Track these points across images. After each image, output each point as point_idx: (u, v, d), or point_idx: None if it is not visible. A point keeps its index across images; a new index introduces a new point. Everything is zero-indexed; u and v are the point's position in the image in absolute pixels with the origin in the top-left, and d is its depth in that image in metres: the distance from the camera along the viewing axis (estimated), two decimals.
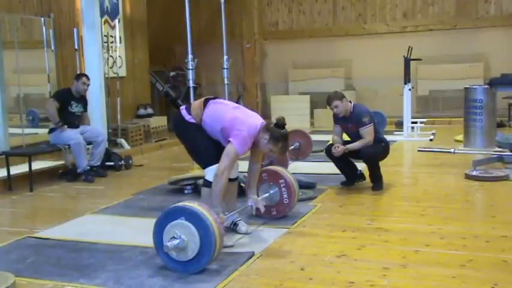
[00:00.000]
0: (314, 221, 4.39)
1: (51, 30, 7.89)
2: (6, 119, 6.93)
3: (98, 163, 6.71)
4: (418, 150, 6.69)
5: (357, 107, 5.37)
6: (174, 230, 3.21)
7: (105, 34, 8.43)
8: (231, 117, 3.82)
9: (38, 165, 6.51)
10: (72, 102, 6.58)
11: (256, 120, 3.88)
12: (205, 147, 3.89)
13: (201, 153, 3.95)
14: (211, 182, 3.80)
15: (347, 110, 5.28)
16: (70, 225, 4.56)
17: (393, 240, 3.82)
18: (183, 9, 6.32)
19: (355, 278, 3.13)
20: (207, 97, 4.04)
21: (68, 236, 4.19)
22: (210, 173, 3.84)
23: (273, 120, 3.84)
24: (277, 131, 3.78)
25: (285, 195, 4.31)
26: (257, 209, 4.10)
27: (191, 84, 6.26)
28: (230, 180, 3.89)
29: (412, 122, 9.11)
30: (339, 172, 5.57)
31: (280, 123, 3.80)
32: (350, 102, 5.39)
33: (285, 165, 5.58)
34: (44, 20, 7.84)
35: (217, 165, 3.77)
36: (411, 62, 9.12)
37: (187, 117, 3.93)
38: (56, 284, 3.21)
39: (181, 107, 4.07)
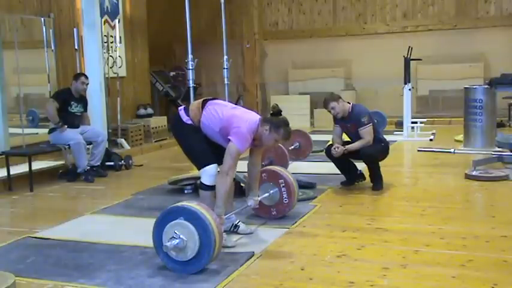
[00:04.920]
0: (314, 221, 4.39)
1: (51, 30, 7.88)
2: (6, 119, 6.92)
3: (98, 163, 6.71)
4: (418, 150, 6.69)
5: (355, 107, 5.38)
6: (173, 230, 3.21)
7: (105, 34, 8.42)
8: (228, 116, 3.82)
9: (38, 165, 6.51)
10: (72, 102, 6.59)
11: (254, 116, 3.89)
12: (201, 148, 3.88)
13: (196, 155, 3.94)
14: (207, 185, 3.82)
15: (345, 111, 5.29)
16: (70, 225, 4.56)
17: (393, 240, 3.82)
18: (183, 9, 6.31)
19: (355, 278, 3.13)
20: (205, 98, 4.04)
21: (68, 236, 4.19)
22: (205, 174, 3.84)
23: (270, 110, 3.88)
24: (276, 118, 3.82)
25: (285, 195, 4.31)
26: (256, 208, 4.15)
27: (191, 84, 6.26)
28: None
29: (412, 122, 9.11)
30: (339, 172, 5.57)
31: (276, 111, 3.83)
32: (349, 103, 5.39)
33: (285, 165, 5.59)
34: (44, 20, 7.83)
35: (211, 166, 3.80)
36: (411, 62, 9.12)
37: (184, 118, 3.93)
38: (56, 284, 3.21)
39: (179, 108, 4.07)
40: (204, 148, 3.88)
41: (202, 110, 3.90)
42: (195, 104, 4.02)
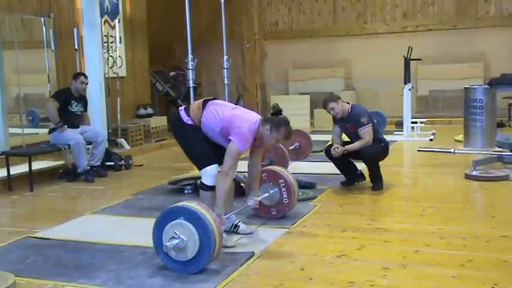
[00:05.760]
0: (314, 221, 4.39)
1: (51, 30, 7.88)
2: (6, 119, 6.92)
3: (98, 163, 6.71)
4: (418, 150, 6.69)
5: (355, 107, 5.38)
6: (173, 230, 3.21)
7: (105, 34, 8.42)
8: (229, 116, 3.82)
9: (38, 165, 6.51)
10: (72, 102, 6.59)
11: (254, 116, 3.90)
12: (202, 149, 3.88)
13: (197, 155, 3.94)
14: (208, 185, 3.82)
15: (344, 111, 5.28)
16: (70, 225, 4.56)
17: (393, 240, 3.82)
18: (183, 9, 6.32)
19: (355, 278, 3.13)
20: (206, 98, 4.04)
21: (68, 236, 4.19)
22: (205, 174, 3.84)
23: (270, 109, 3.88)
24: (276, 118, 3.83)
25: (285, 195, 4.31)
26: (256, 208, 4.17)
27: (191, 84, 6.26)
28: None
29: (412, 122, 9.11)
30: (339, 172, 5.57)
31: (276, 110, 3.83)
32: (348, 103, 5.39)
33: (285, 165, 5.59)
34: (44, 20, 7.83)
35: (212, 166, 3.80)
36: (411, 62, 9.12)
37: (185, 118, 3.93)
38: (56, 284, 3.21)
39: (180, 108, 4.07)
40: (205, 148, 3.88)
41: (202, 110, 3.90)
42: (195, 104, 4.02)
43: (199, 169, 3.92)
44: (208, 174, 3.82)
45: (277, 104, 3.80)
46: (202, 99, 4.01)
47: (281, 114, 3.84)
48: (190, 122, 3.91)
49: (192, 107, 4.01)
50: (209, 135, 3.91)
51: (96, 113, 7.46)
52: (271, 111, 3.86)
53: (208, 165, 3.82)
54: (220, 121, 3.82)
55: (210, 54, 9.49)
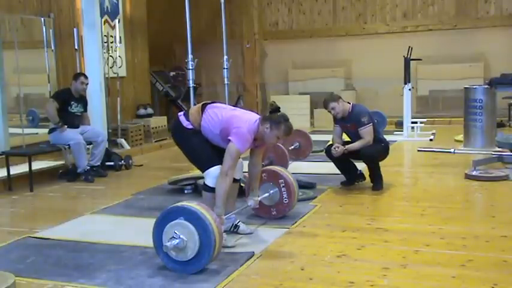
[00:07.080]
0: (314, 221, 4.39)
1: (51, 30, 7.89)
2: (6, 119, 6.92)
3: (98, 163, 6.71)
4: (418, 150, 6.69)
5: (355, 107, 5.38)
6: (173, 230, 3.21)
7: (105, 34, 8.42)
8: (228, 117, 3.84)
9: (38, 165, 6.51)
10: (72, 102, 6.59)
11: (253, 116, 3.90)
12: (203, 150, 3.90)
13: (199, 157, 3.95)
14: (210, 187, 3.82)
15: (345, 111, 5.29)
16: (70, 225, 4.56)
17: (393, 240, 3.82)
18: (183, 9, 6.32)
19: (355, 278, 3.13)
20: (205, 102, 4.05)
21: (68, 236, 4.19)
22: (209, 176, 3.85)
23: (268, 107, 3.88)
24: (275, 115, 3.83)
25: (285, 195, 4.31)
26: (256, 208, 4.18)
27: (191, 84, 6.26)
28: (233, 180, 3.89)
29: (412, 122, 9.12)
30: (339, 172, 5.57)
31: (274, 108, 3.84)
32: (349, 103, 5.39)
33: (285, 165, 5.59)
34: (44, 20, 7.84)
35: (215, 167, 3.80)
36: (411, 62, 9.12)
37: (185, 123, 3.95)
38: (56, 284, 3.21)
39: (179, 114, 4.08)
40: (207, 150, 3.90)
41: (202, 114, 3.91)
42: (194, 108, 4.05)
43: (203, 171, 3.92)
44: (212, 175, 3.82)
45: (274, 102, 3.79)
46: (201, 103, 4.03)
47: (279, 111, 3.83)
48: (190, 126, 3.93)
49: (191, 111, 4.03)
50: (209, 138, 3.92)
51: (96, 113, 7.46)
52: (270, 110, 3.86)
53: (211, 166, 3.83)
54: (220, 123, 3.83)
55: (210, 54, 9.49)
